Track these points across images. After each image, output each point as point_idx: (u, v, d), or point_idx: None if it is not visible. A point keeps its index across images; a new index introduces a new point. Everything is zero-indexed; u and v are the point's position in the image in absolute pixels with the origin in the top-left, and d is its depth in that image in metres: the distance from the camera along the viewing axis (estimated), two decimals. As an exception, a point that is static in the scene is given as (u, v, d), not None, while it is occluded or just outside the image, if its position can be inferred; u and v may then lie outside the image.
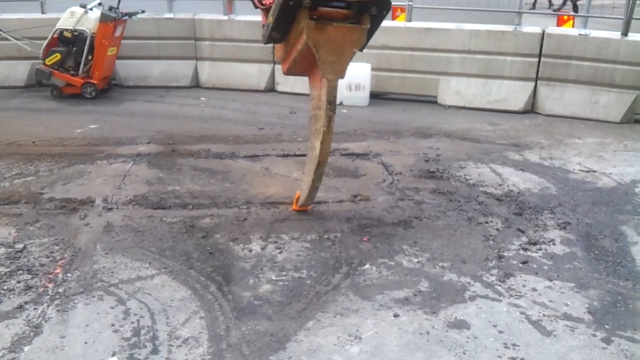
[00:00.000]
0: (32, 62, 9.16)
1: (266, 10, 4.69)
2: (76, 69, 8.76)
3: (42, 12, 9.72)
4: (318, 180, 4.81)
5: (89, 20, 8.59)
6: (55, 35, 8.68)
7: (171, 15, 9.73)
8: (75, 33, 8.63)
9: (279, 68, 7.28)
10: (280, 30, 4.57)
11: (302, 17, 4.30)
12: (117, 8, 8.72)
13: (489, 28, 8.75)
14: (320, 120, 4.58)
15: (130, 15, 8.90)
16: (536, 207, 5.34)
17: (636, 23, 8.21)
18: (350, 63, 4.53)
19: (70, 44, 8.72)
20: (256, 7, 5.01)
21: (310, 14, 4.27)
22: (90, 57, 8.71)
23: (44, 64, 8.69)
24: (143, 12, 9.19)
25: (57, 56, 8.65)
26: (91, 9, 8.63)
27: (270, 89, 9.70)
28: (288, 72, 5.04)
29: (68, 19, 8.62)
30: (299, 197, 5.08)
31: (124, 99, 9.08)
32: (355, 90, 8.72)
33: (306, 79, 4.98)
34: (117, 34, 8.86)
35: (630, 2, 8.11)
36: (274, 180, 5.86)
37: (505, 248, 4.60)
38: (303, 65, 4.77)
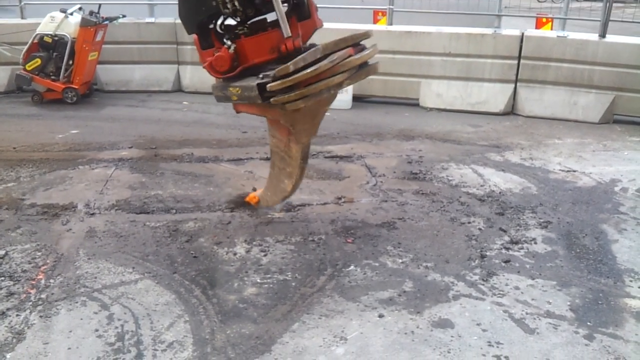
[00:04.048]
0: (12, 68, 9.08)
1: (225, 80, 4.19)
2: (57, 74, 8.70)
3: (22, 17, 9.62)
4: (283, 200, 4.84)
5: (69, 25, 8.55)
6: (35, 41, 8.61)
7: (152, 20, 9.70)
8: (56, 38, 8.58)
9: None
10: None
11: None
12: (98, 13, 8.70)
13: (468, 31, 8.83)
14: (289, 167, 4.42)
15: (111, 19, 8.85)
16: (517, 207, 5.40)
17: (613, 25, 8.34)
18: None
19: (50, 49, 8.66)
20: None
21: None
22: (71, 62, 8.66)
23: (25, 69, 8.62)
24: (124, 16, 9.14)
25: (38, 61, 8.59)
26: (71, 14, 8.59)
27: (253, 92, 9.67)
28: (239, 112, 4.68)
29: (48, 24, 8.58)
30: (257, 200, 4.96)
31: (105, 103, 9.02)
32: (338, 93, 8.71)
33: None
34: (98, 38, 8.81)
35: (608, 4, 8.24)
36: (258, 184, 5.85)
37: (487, 247, 4.64)
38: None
